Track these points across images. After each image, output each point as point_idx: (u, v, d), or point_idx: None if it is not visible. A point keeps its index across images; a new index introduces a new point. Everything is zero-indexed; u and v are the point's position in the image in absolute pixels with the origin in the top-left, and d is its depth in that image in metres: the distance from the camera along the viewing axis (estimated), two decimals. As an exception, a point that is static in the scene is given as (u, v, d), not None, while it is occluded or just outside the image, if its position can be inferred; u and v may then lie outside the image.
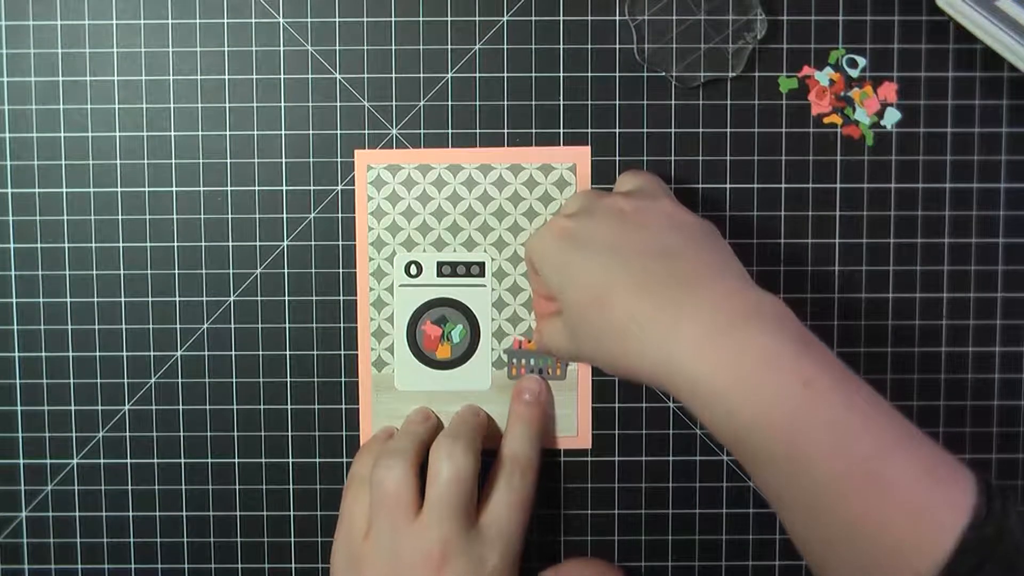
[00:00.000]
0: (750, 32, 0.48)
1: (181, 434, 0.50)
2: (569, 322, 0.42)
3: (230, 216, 0.49)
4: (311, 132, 0.49)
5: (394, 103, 0.49)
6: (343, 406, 0.50)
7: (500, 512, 0.44)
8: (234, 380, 0.50)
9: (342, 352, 0.49)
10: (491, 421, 0.49)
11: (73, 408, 0.49)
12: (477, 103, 0.49)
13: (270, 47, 0.49)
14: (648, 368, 0.38)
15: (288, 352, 0.49)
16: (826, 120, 0.49)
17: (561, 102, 0.49)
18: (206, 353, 0.49)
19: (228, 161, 0.49)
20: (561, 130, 0.49)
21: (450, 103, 0.49)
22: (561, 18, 0.48)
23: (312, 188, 0.49)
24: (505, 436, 0.48)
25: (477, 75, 0.49)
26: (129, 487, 0.50)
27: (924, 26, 0.48)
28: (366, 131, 0.49)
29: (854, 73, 0.48)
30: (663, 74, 0.48)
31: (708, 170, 0.49)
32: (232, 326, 0.49)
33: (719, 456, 0.50)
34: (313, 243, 0.49)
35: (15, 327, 0.49)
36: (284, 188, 0.49)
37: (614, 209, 0.42)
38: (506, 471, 0.46)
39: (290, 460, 0.50)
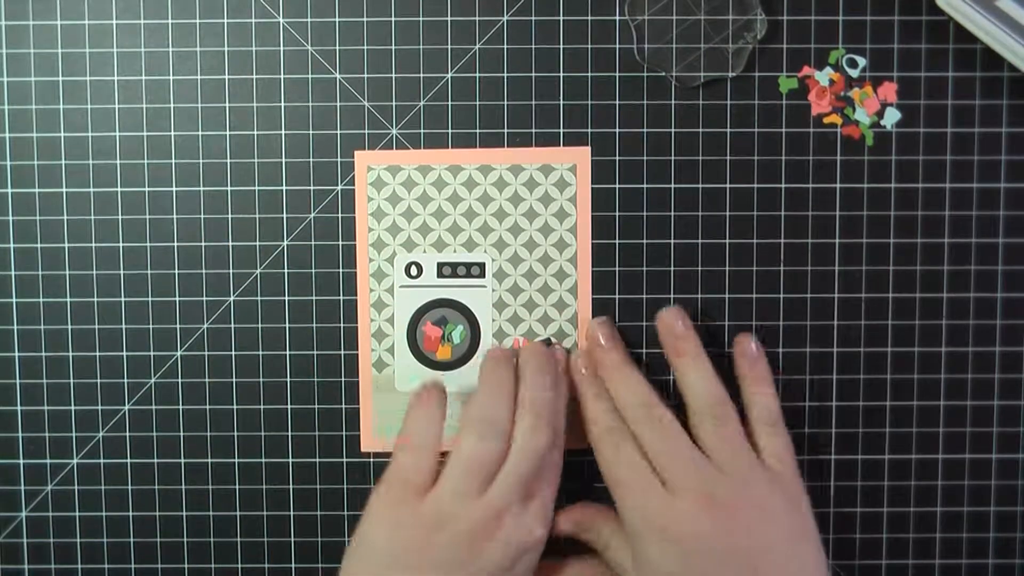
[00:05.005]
0: (750, 32, 0.48)
1: (181, 434, 0.50)
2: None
3: (230, 216, 0.49)
4: (311, 132, 0.49)
5: (394, 103, 0.49)
6: (343, 406, 0.50)
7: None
8: (234, 380, 0.50)
9: (342, 352, 0.49)
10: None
11: (73, 408, 0.49)
12: (477, 103, 0.49)
13: (270, 47, 0.49)
14: None
15: (288, 352, 0.49)
16: (826, 120, 0.49)
17: (561, 102, 0.49)
18: (206, 353, 0.49)
19: (228, 161, 0.49)
20: (561, 130, 0.49)
21: (450, 103, 0.49)
22: (561, 18, 0.48)
23: (312, 188, 0.49)
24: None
25: (477, 75, 0.49)
26: (129, 487, 0.50)
27: (924, 26, 0.48)
28: (366, 131, 0.49)
29: (854, 73, 0.48)
30: (663, 74, 0.48)
31: (708, 170, 0.49)
32: (232, 326, 0.49)
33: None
34: (313, 243, 0.49)
35: (15, 327, 0.49)
36: (284, 188, 0.49)
37: None
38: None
39: (290, 460, 0.50)
